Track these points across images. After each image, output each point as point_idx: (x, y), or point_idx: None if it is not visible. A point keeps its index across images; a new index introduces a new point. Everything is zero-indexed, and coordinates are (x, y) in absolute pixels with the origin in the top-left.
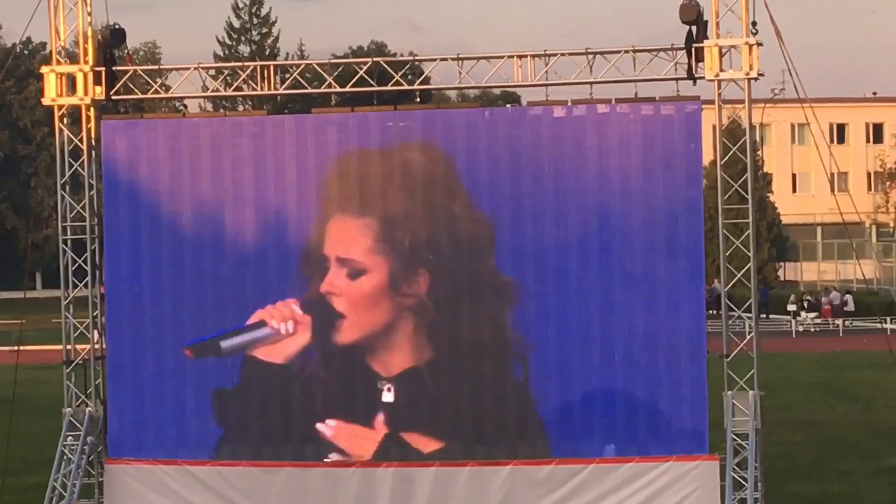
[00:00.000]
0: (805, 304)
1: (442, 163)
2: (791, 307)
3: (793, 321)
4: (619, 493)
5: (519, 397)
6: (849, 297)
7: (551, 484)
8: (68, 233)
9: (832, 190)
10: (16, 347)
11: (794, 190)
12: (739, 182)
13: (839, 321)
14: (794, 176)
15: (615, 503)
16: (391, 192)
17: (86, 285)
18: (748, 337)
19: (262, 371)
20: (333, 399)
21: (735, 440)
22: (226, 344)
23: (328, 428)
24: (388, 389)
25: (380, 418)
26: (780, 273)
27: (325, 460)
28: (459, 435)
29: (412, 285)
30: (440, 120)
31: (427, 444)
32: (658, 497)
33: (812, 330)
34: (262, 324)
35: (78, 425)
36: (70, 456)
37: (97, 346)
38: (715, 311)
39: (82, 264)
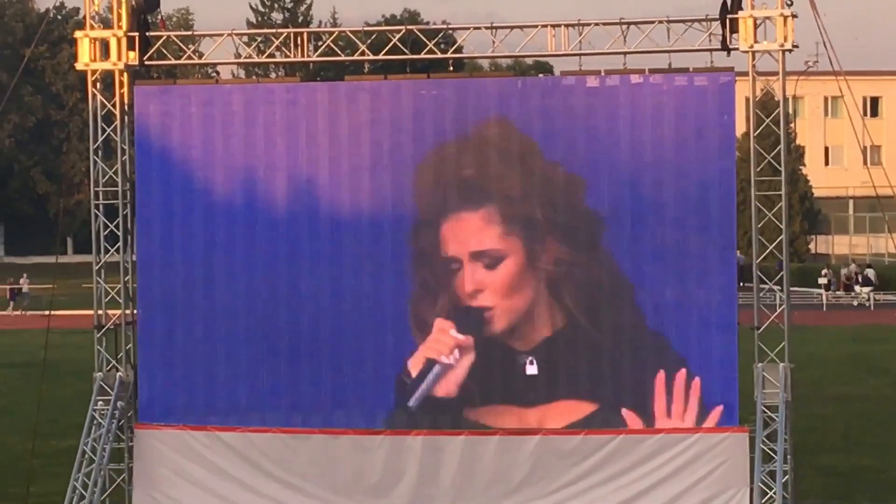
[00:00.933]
0: (827, 281)
1: (518, 138)
2: (822, 280)
3: (823, 294)
4: (648, 464)
5: None
6: (870, 271)
7: (580, 454)
8: (100, 198)
9: (865, 163)
10: (47, 312)
11: (827, 163)
12: (772, 154)
13: (865, 293)
14: (826, 149)
15: (644, 474)
16: (490, 173)
17: (117, 250)
18: (779, 309)
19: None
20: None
21: (765, 412)
22: (413, 403)
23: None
24: (531, 362)
25: (527, 393)
26: (812, 246)
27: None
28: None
29: (546, 256)
30: (473, 88)
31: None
32: (687, 468)
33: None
34: (432, 363)
35: (108, 390)
36: (100, 420)
37: (128, 311)
38: (742, 283)
39: (114, 229)
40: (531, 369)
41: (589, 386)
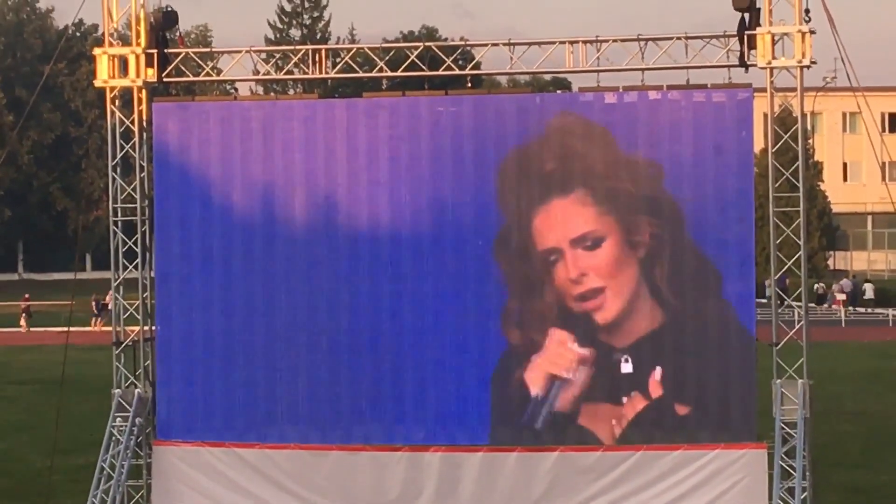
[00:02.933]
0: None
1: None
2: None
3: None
4: (667, 480)
5: None
6: (867, 286)
7: (599, 470)
8: (119, 214)
9: (883, 179)
10: (66, 328)
11: (845, 179)
12: (790, 170)
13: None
14: (844, 165)
15: (663, 490)
16: (566, 165)
17: (136, 267)
18: (797, 325)
19: None
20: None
21: (784, 429)
22: (539, 425)
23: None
24: (626, 360)
25: (624, 394)
26: (830, 262)
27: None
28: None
29: (640, 233)
30: (491, 105)
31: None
32: (706, 485)
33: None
34: (553, 379)
35: (126, 406)
36: (118, 437)
37: (146, 327)
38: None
39: (133, 246)
40: (626, 367)
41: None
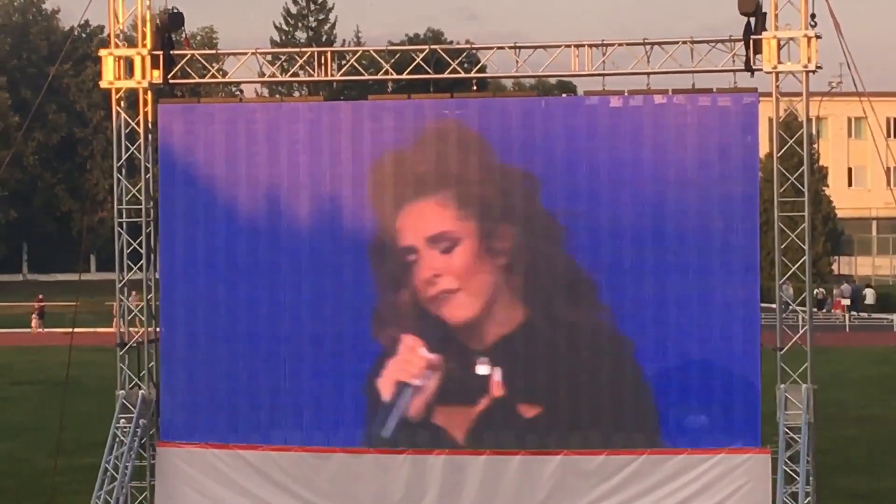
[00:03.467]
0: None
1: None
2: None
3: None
4: (670, 484)
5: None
6: (868, 291)
7: (602, 474)
8: (124, 216)
9: (888, 184)
10: (70, 329)
11: (850, 184)
12: (795, 175)
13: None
14: (849, 170)
15: (666, 495)
16: (450, 172)
17: (140, 268)
18: (801, 330)
19: None
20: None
21: (787, 434)
22: (386, 432)
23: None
24: (482, 363)
25: (480, 395)
26: (835, 267)
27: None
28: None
29: (502, 241)
30: (497, 108)
31: (527, 411)
32: (709, 489)
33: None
34: (404, 386)
35: (130, 408)
36: (122, 438)
37: (151, 329)
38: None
39: (137, 247)
40: (482, 369)
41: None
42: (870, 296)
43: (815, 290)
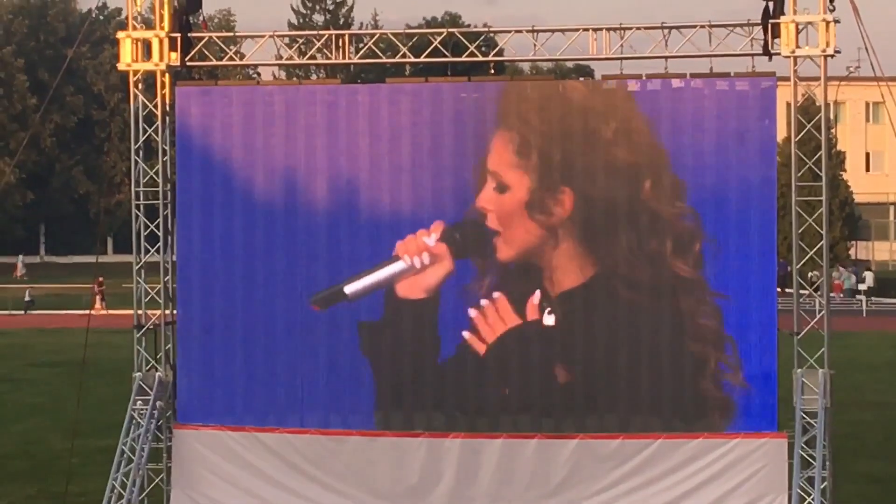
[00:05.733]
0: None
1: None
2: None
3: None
4: (687, 468)
5: None
6: (867, 275)
7: (618, 458)
8: (141, 198)
9: None
10: (87, 311)
11: (868, 169)
12: (813, 160)
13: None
14: (867, 154)
15: (682, 479)
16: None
17: (157, 251)
18: (818, 315)
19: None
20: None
21: (804, 418)
22: (350, 289)
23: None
24: (549, 312)
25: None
26: (852, 252)
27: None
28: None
29: (554, 205)
30: (514, 92)
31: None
32: (725, 473)
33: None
34: (396, 258)
35: (147, 390)
36: (139, 420)
37: (168, 311)
38: (782, 290)
39: (154, 230)
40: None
41: None
42: (869, 279)
43: (810, 274)
